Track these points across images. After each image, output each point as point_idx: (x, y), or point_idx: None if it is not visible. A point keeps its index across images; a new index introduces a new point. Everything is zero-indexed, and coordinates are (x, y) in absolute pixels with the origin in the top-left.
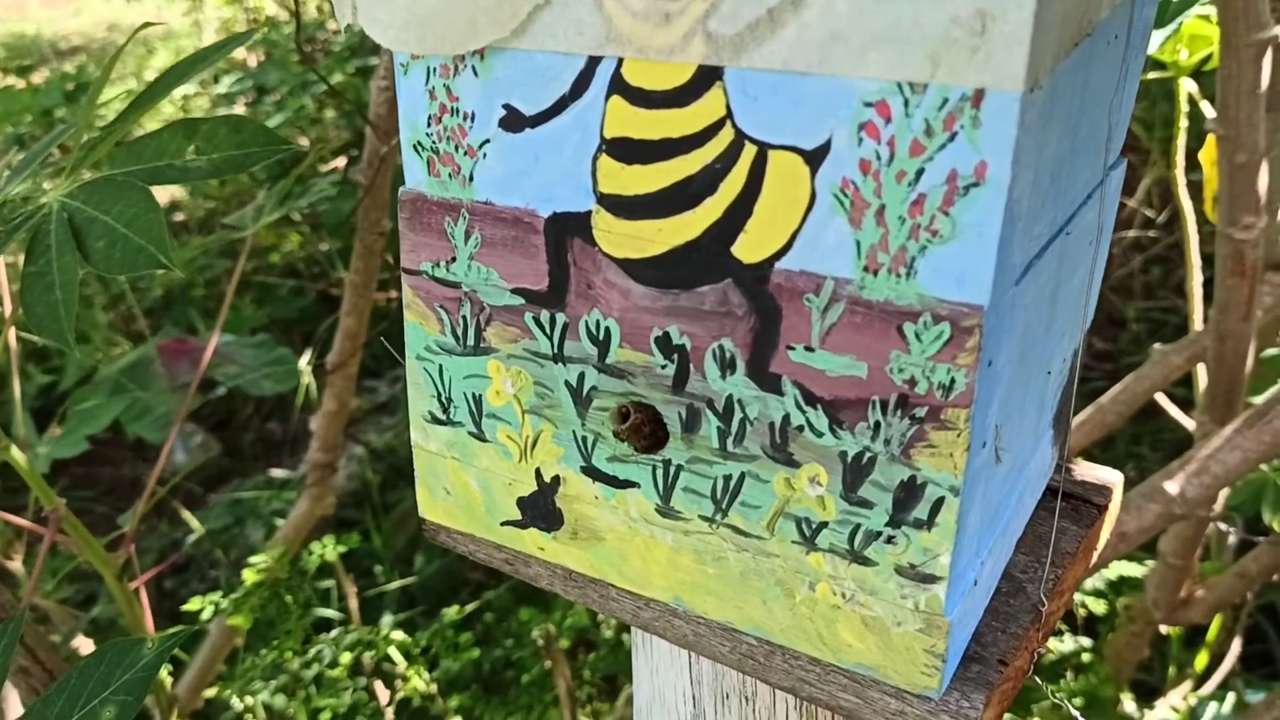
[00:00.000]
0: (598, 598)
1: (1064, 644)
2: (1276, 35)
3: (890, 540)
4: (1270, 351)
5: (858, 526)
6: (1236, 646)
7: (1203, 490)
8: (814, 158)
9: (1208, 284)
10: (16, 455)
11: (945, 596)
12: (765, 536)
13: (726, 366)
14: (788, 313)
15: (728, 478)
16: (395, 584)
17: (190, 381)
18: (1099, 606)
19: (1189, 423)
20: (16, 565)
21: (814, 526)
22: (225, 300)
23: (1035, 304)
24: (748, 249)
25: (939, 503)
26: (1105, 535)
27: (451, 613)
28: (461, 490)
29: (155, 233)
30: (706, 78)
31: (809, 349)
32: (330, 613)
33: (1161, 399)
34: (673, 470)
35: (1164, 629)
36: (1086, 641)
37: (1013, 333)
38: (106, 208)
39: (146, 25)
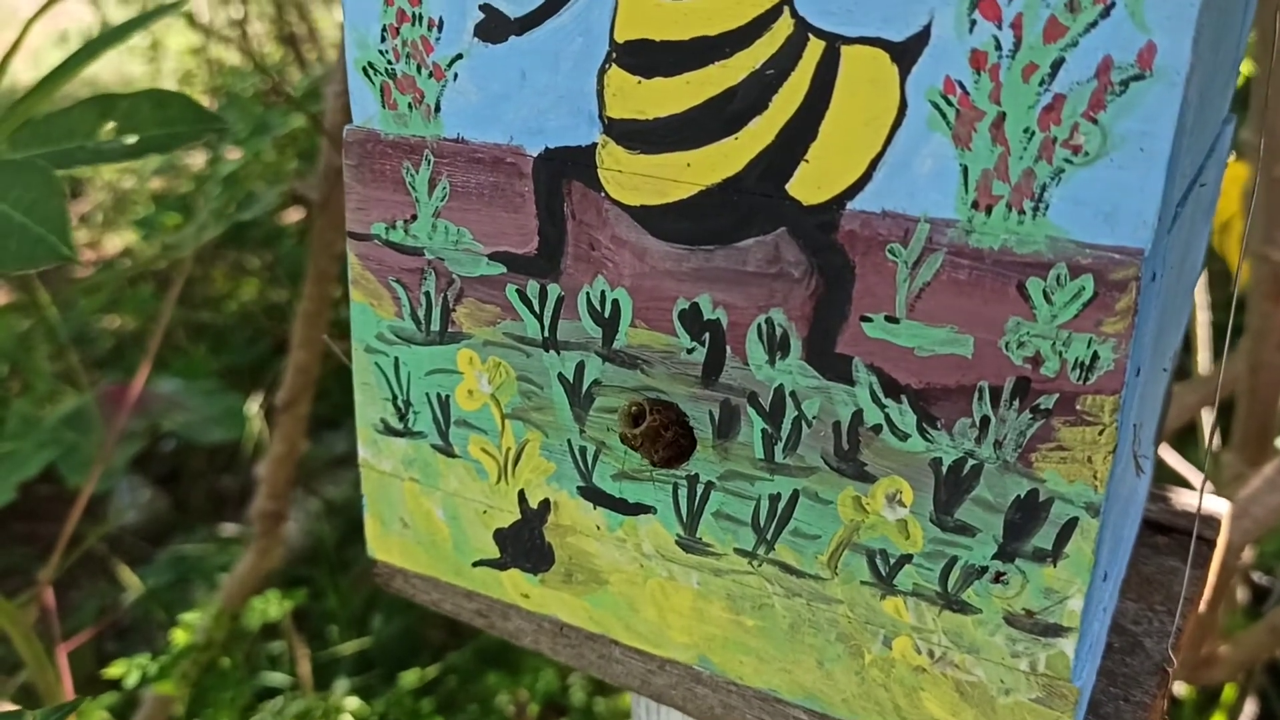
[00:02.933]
0: (597, 659)
1: None
2: None
3: (999, 578)
4: None
5: (954, 561)
6: (1251, 708)
7: (1244, 535)
8: (905, 53)
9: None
10: None
11: (1074, 654)
12: (825, 576)
13: (777, 348)
14: (863, 271)
15: (775, 498)
16: (349, 645)
17: (134, 429)
18: None
19: (1187, 470)
20: None
21: (893, 562)
22: (157, 332)
23: (1175, 267)
24: (809, 186)
25: (1070, 526)
26: (1213, 577)
27: (410, 678)
28: (423, 521)
29: (56, 220)
30: None
31: (892, 319)
32: (280, 676)
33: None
34: (700, 489)
35: (1177, 691)
36: None
37: (1160, 298)
38: (2, 194)
39: (53, 1)
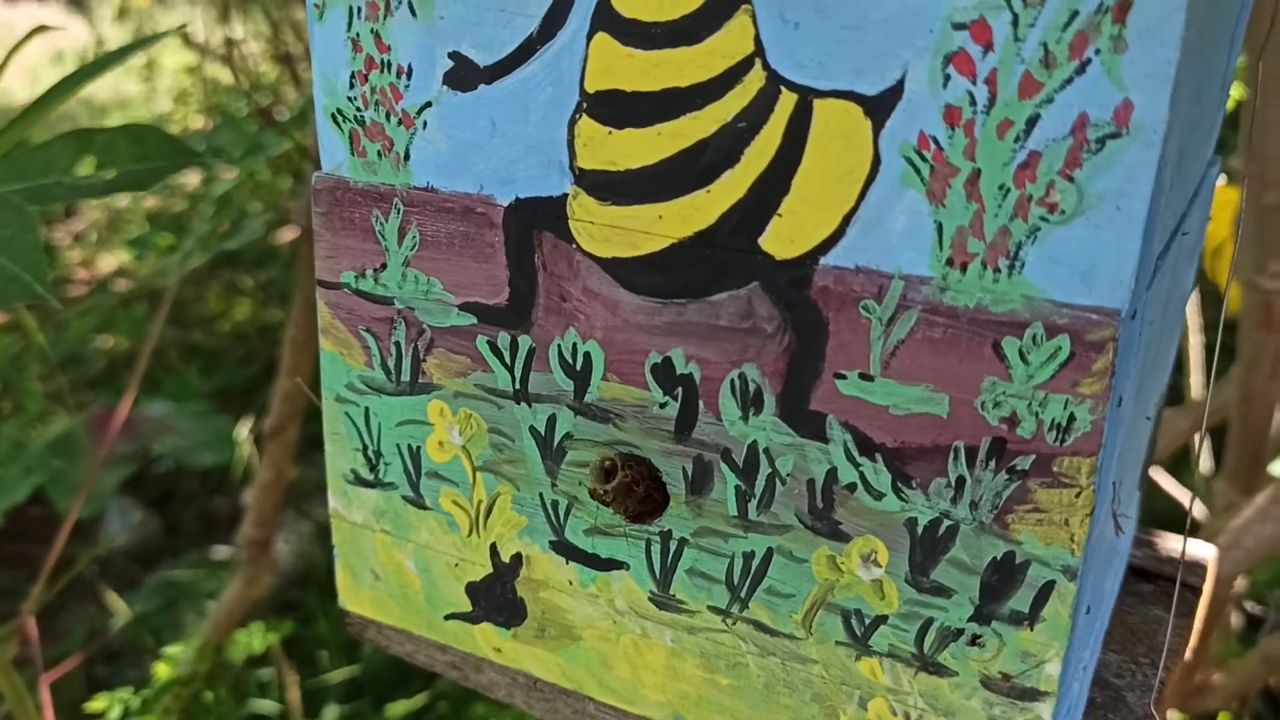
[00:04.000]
0: (572, 714)
1: None
2: None
3: (976, 641)
4: None
5: (930, 622)
6: None
7: (1235, 565)
8: (879, 106)
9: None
10: None
11: (1051, 719)
12: (800, 635)
13: (750, 404)
14: (837, 327)
15: (749, 556)
16: (338, 673)
17: (125, 452)
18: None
19: (1179, 492)
20: None
21: (868, 622)
22: (143, 356)
23: (1155, 321)
24: (782, 240)
25: (1047, 589)
26: (1199, 623)
27: (397, 708)
28: (394, 574)
29: (31, 257)
30: (727, 1)
31: (866, 377)
32: (269, 704)
33: (1153, 470)
34: (674, 546)
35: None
36: None
37: (1139, 355)
38: None
39: (41, 29)
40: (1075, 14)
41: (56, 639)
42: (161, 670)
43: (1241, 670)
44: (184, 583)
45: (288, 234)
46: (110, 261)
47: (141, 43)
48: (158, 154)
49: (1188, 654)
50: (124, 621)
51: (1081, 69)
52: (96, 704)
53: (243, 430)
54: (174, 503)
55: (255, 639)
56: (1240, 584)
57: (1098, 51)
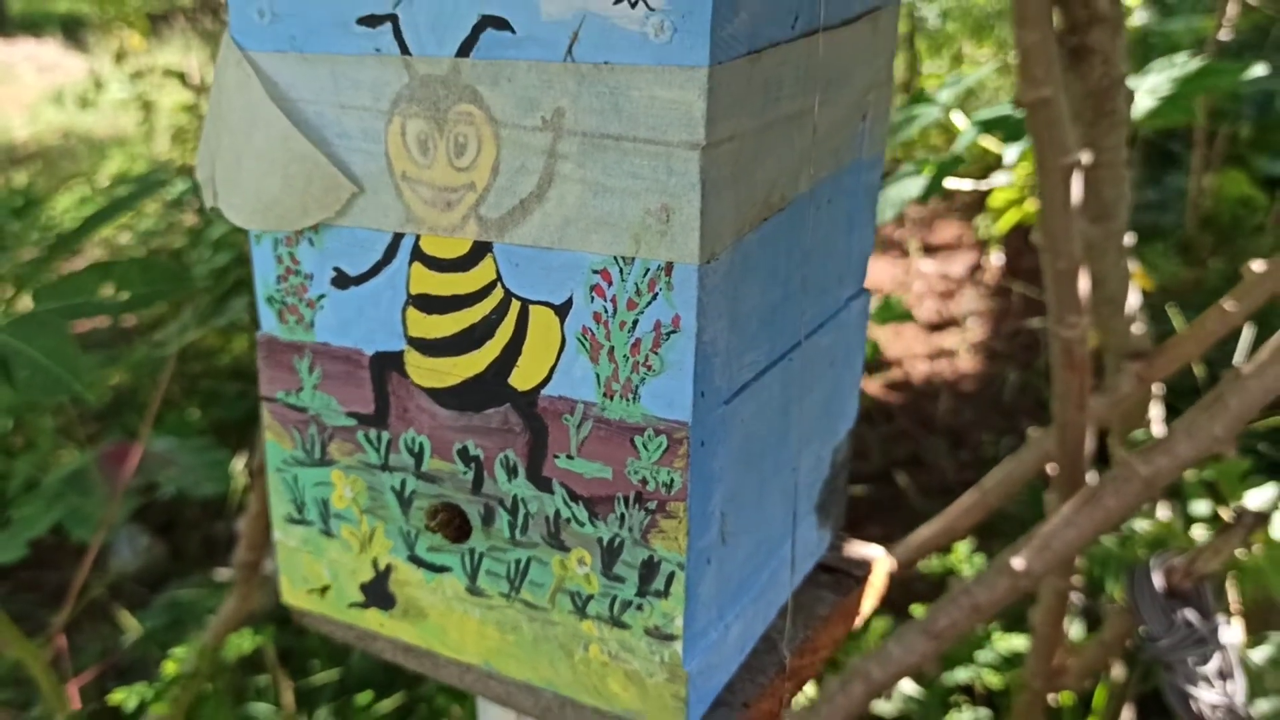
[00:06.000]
0: (430, 666)
1: (964, 716)
2: (1079, 159)
3: (640, 608)
4: (1138, 433)
5: (615, 597)
6: (1127, 714)
7: (1045, 565)
8: (562, 311)
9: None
10: None
11: (683, 651)
12: (549, 608)
13: (511, 472)
14: (553, 429)
15: (518, 561)
16: (322, 675)
17: (133, 485)
18: (995, 680)
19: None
20: None
21: (584, 599)
22: (152, 406)
23: (759, 417)
24: (521, 380)
25: (671, 576)
26: (870, 603)
27: (364, 697)
28: (316, 579)
29: (70, 362)
30: (481, 250)
31: (570, 457)
32: (265, 707)
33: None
34: (477, 557)
35: (1051, 700)
36: (985, 714)
37: (730, 441)
38: (29, 340)
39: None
40: (648, 269)
41: (73, 656)
42: (169, 667)
43: (1086, 654)
44: (188, 602)
45: None
46: None
47: (136, 196)
48: (161, 281)
49: (1045, 625)
50: (135, 638)
51: (655, 297)
52: (117, 695)
53: (239, 463)
54: (177, 529)
55: (245, 640)
56: (1076, 579)
57: (660, 289)
